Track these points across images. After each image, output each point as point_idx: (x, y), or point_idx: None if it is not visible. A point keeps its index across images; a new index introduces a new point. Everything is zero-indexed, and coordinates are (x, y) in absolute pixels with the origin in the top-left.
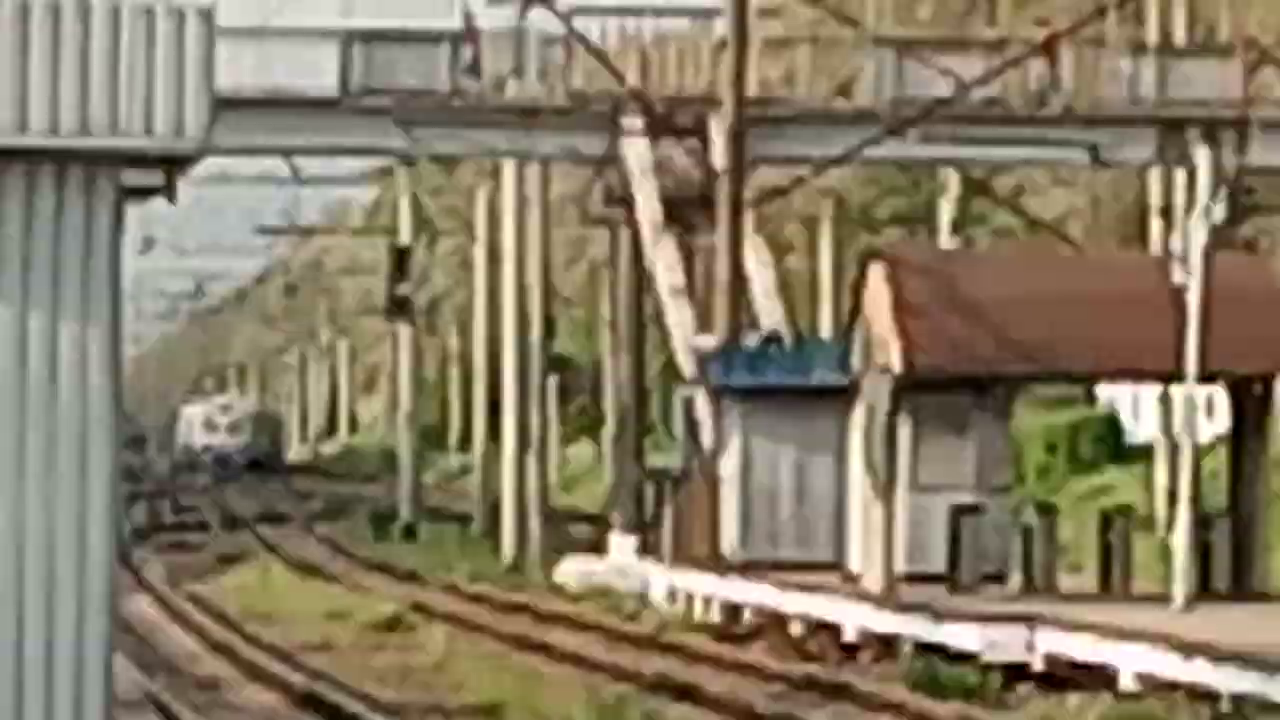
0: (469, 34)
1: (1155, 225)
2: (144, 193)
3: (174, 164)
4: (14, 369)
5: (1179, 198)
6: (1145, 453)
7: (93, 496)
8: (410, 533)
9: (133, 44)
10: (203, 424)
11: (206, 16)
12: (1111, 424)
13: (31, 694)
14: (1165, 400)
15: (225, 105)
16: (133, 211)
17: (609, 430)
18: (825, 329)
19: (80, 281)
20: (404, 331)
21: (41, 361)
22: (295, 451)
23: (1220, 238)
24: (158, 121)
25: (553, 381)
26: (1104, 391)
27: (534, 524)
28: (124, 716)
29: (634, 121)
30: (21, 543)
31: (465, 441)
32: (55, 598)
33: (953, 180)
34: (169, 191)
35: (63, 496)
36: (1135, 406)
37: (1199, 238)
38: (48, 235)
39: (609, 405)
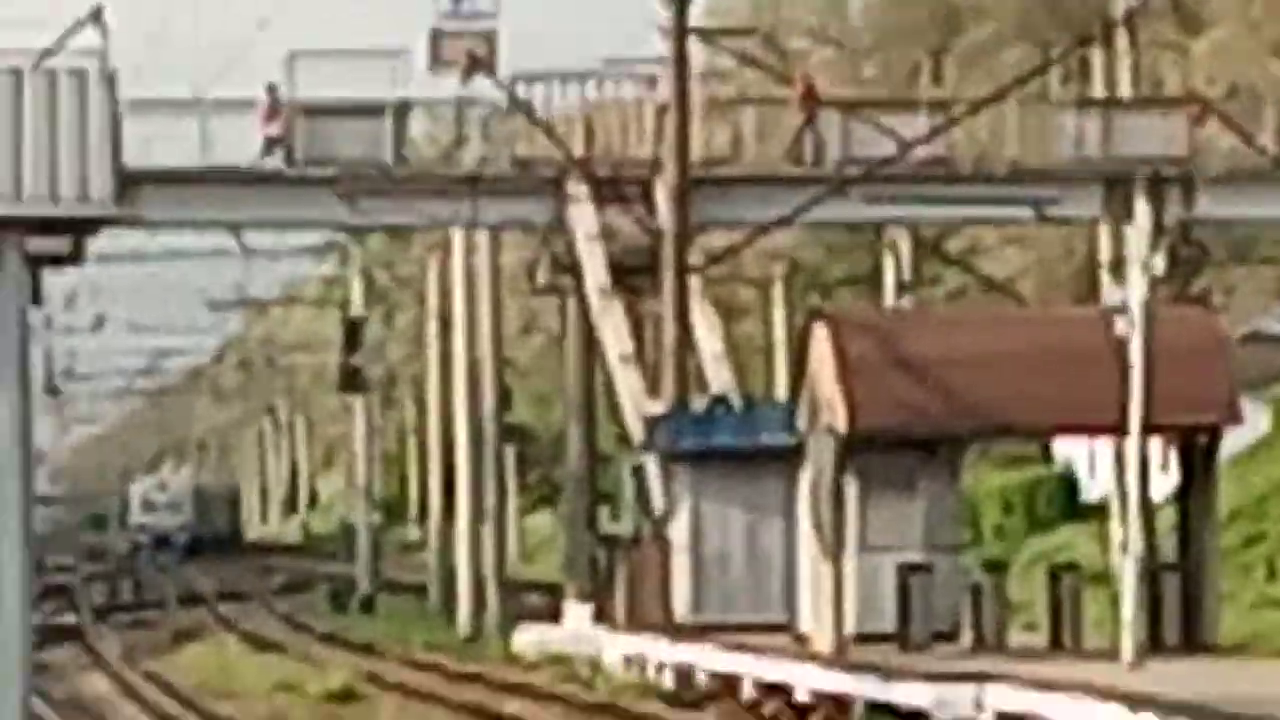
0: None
1: (1106, 281)
2: (55, 260)
3: (81, 229)
4: None
5: (1129, 253)
6: (1102, 510)
7: (4, 566)
8: (368, 606)
9: (35, 108)
10: (140, 503)
11: (109, 79)
12: (1068, 482)
13: None
14: (1120, 456)
15: (167, 179)
16: (85, 288)
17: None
18: (780, 392)
19: None
20: (359, 405)
21: None
22: (255, 528)
23: (1175, 291)
24: (62, 187)
25: (510, 452)
26: (1060, 450)
27: (491, 594)
28: None
29: (579, 188)
30: None
31: (424, 514)
32: None
33: (903, 241)
34: (76, 257)
35: None
36: (1091, 463)
37: (1139, 290)
38: None
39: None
